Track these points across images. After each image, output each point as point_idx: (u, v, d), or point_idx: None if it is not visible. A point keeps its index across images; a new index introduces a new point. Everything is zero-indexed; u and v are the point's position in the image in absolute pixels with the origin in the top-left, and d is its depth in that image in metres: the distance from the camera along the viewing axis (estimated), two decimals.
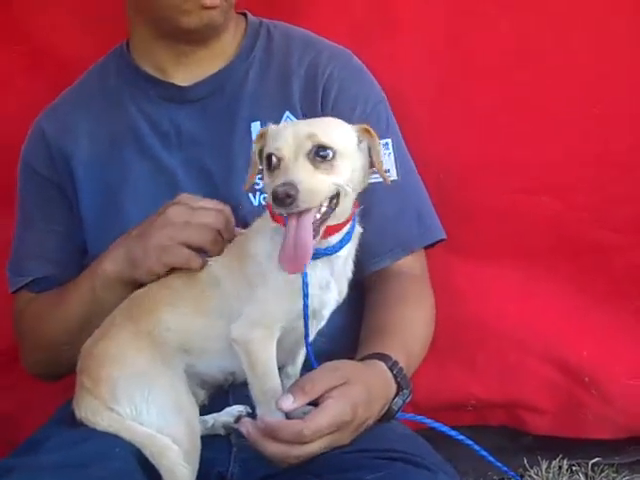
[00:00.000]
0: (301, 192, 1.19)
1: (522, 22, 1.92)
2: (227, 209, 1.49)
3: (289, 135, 1.26)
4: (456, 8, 1.95)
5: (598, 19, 1.91)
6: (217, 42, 1.67)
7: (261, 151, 1.33)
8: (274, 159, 1.25)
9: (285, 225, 1.27)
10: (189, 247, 1.44)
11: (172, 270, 1.46)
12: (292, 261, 1.23)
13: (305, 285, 1.31)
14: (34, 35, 1.99)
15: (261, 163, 1.33)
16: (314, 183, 1.22)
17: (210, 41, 1.66)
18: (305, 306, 1.32)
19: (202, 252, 1.44)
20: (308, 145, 1.24)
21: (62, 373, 1.65)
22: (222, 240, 1.45)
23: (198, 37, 1.63)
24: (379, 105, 1.71)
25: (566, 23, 1.91)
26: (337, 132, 1.29)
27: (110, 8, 1.75)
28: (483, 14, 1.93)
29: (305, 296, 1.31)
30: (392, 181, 1.63)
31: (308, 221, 1.23)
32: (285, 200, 1.19)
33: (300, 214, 1.23)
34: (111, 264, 1.52)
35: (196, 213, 1.47)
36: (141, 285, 1.50)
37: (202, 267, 1.42)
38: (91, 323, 1.49)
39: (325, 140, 1.25)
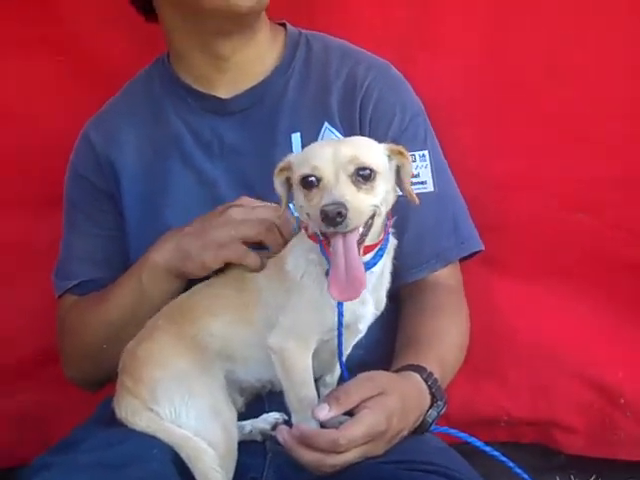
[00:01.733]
0: (350, 211, 1.20)
1: (559, 38, 1.92)
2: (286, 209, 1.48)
3: (328, 155, 1.27)
4: (493, 25, 1.95)
5: (634, 35, 1.90)
6: (254, 47, 1.68)
7: (287, 180, 1.35)
8: (312, 179, 1.26)
9: (322, 244, 1.29)
10: (247, 243, 1.45)
11: (223, 268, 1.48)
12: (345, 290, 1.24)
13: (340, 303, 1.32)
14: (78, 44, 2.03)
15: (288, 192, 1.35)
16: (359, 203, 1.24)
17: (250, 37, 1.66)
18: (339, 324, 1.33)
19: (261, 249, 1.45)
20: (351, 166, 1.26)
21: (104, 379, 1.66)
22: (280, 234, 1.46)
23: (246, 23, 1.62)
24: (417, 116, 1.71)
25: (602, 40, 1.90)
26: (375, 153, 1.31)
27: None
28: (520, 30, 1.93)
29: (340, 314, 1.32)
30: (429, 193, 1.65)
31: (353, 241, 1.24)
32: (336, 219, 1.20)
33: (345, 235, 1.23)
34: (159, 255, 1.53)
35: (254, 211, 1.49)
36: (190, 281, 1.51)
37: (259, 266, 1.44)
38: (133, 320, 1.52)
39: (366, 161, 1.27)
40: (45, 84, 2.02)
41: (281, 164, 1.36)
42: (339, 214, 1.19)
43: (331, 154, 1.27)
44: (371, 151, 1.31)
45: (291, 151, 1.64)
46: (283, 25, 1.77)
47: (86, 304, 1.69)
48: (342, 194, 1.22)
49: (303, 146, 1.64)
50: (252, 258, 1.44)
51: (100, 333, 1.63)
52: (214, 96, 1.70)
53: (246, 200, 1.53)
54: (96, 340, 1.63)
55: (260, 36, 1.69)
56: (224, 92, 1.70)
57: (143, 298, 1.55)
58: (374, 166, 1.27)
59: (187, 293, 1.50)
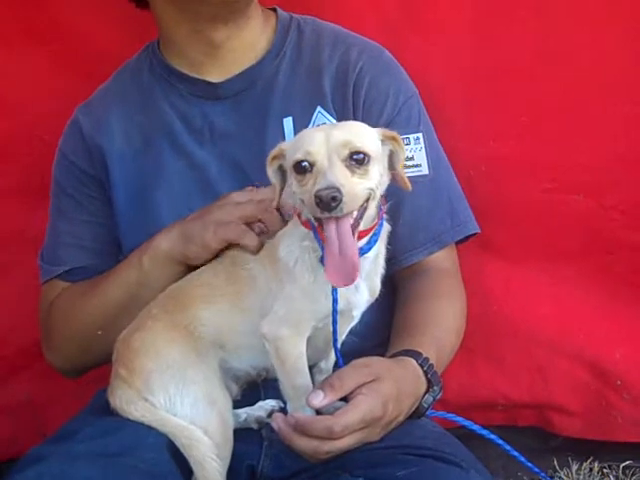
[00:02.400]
0: (345, 195, 1.20)
1: (551, 20, 1.90)
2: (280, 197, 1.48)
3: (320, 140, 1.26)
4: (485, 6, 1.93)
5: (628, 17, 1.88)
6: (248, 32, 1.66)
7: (280, 168, 1.35)
8: (305, 164, 1.26)
9: (316, 230, 1.29)
10: (248, 225, 1.46)
11: (222, 251, 1.48)
12: (341, 276, 1.23)
13: (334, 290, 1.31)
14: (66, 33, 2.01)
15: (282, 178, 1.35)
16: (353, 187, 1.23)
17: (244, 24, 1.65)
18: (334, 311, 1.33)
19: (261, 233, 1.46)
20: (344, 151, 1.25)
21: (88, 366, 1.68)
22: (278, 215, 1.46)
23: (239, 9, 1.61)
24: (411, 99, 1.70)
25: (595, 21, 1.88)
26: (368, 137, 1.30)
27: None
28: (512, 12, 1.91)
29: (334, 301, 1.32)
30: (423, 176, 1.64)
31: (347, 226, 1.24)
32: (330, 203, 1.19)
33: (337, 219, 1.23)
34: (164, 240, 1.54)
35: (254, 193, 1.51)
36: (191, 268, 1.51)
37: (258, 247, 1.44)
38: (131, 305, 1.51)
39: (360, 145, 1.26)
40: (33, 73, 2.01)
41: (273, 152, 1.35)
42: (334, 199, 1.19)
43: (324, 139, 1.26)
44: (365, 135, 1.30)
45: (283, 136, 1.63)
46: (274, 10, 1.75)
47: (80, 289, 1.68)
48: (336, 178, 1.21)
49: (295, 130, 1.63)
50: (251, 238, 1.44)
51: (95, 318, 1.62)
52: (205, 81, 1.68)
53: (249, 188, 1.54)
54: (89, 326, 1.63)
55: (252, 22, 1.67)
56: (215, 77, 1.68)
57: (143, 283, 1.55)
58: (368, 150, 1.26)
59: (180, 282, 1.50)
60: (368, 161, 1.26)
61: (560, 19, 1.89)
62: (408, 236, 1.61)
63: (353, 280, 1.23)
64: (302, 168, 1.26)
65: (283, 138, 1.63)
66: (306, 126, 1.63)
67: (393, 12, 1.95)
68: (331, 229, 1.23)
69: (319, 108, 1.65)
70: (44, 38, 2.00)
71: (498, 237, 1.99)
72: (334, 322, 1.35)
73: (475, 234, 1.73)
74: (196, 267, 1.51)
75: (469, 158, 1.90)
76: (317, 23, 1.75)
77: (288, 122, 1.65)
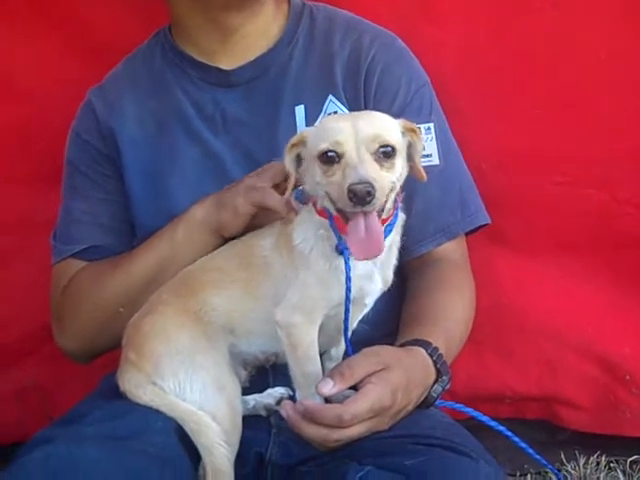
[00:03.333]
0: (377, 190, 1.20)
1: (566, 11, 1.88)
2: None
3: (349, 130, 1.26)
4: None
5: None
6: (261, 19, 1.66)
7: (297, 156, 1.34)
8: (332, 154, 1.25)
9: (332, 219, 1.31)
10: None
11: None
12: (365, 248, 1.24)
13: (348, 279, 1.31)
14: (77, 19, 2.00)
15: (297, 168, 1.34)
16: (383, 181, 1.24)
17: (258, 11, 1.64)
18: (347, 299, 1.33)
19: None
20: (374, 144, 1.26)
21: (102, 348, 1.66)
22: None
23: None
24: (422, 88, 1.69)
25: (610, 13, 1.87)
26: (394, 130, 1.31)
27: None
28: (526, 3, 1.90)
29: (348, 289, 1.32)
30: (434, 166, 1.63)
31: (376, 219, 1.25)
32: (365, 198, 1.19)
33: (365, 213, 1.23)
34: (199, 210, 1.54)
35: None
36: (226, 239, 1.51)
37: (285, 209, 1.41)
38: (157, 281, 1.51)
39: (389, 139, 1.27)
40: (44, 58, 2.00)
41: (294, 139, 1.34)
42: (368, 193, 1.19)
43: (351, 129, 1.26)
44: (391, 128, 1.31)
45: (294, 124, 1.62)
46: None
47: (101, 268, 1.66)
48: (368, 172, 1.21)
49: (307, 119, 1.62)
50: (276, 199, 1.43)
51: (118, 295, 1.60)
52: (217, 68, 1.68)
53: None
54: (112, 303, 1.60)
55: (266, 7, 1.66)
56: (227, 64, 1.67)
57: (175, 256, 1.54)
58: (395, 143, 1.28)
59: (191, 267, 1.49)
60: (395, 154, 1.27)
61: (575, 11, 1.88)
62: (418, 226, 1.60)
63: (379, 252, 1.25)
64: (329, 158, 1.25)
65: (295, 126, 1.62)
66: (318, 114, 1.62)
67: (406, 3, 1.93)
68: (360, 222, 1.24)
69: (331, 96, 1.64)
70: (55, 24, 2.00)
71: (508, 229, 1.98)
72: (346, 310, 1.34)
73: (485, 225, 1.72)
74: (229, 240, 1.51)
75: (481, 149, 1.89)
76: (329, 10, 1.74)
77: (300, 110, 1.64)
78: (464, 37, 1.93)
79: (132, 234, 1.69)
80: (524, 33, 1.91)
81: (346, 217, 1.27)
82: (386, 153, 1.26)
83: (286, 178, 1.41)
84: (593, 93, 1.91)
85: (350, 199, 1.20)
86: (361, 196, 1.19)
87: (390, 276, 1.41)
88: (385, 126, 1.29)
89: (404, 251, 1.55)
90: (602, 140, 1.93)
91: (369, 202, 1.20)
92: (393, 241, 1.39)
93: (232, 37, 1.65)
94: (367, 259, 1.27)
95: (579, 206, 1.98)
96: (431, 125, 1.65)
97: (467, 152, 1.75)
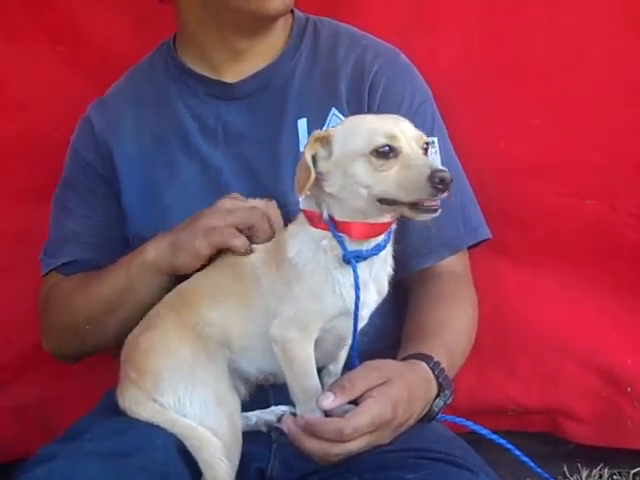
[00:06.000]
0: None
1: (563, 19, 1.88)
2: (274, 202, 1.51)
3: (396, 127, 1.28)
4: (496, 5, 1.92)
5: (637, 14, 1.86)
6: (270, 37, 1.67)
7: (314, 157, 1.32)
8: (385, 149, 1.25)
9: (334, 228, 1.31)
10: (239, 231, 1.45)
11: (215, 257, 1.47)
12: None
13: (357, 288, 1.31)
14: (77, 32, 2.01)
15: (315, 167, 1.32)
16: None
17: (270, 32, 1.66)
18: (356, 308, 1.32)
19: (251, 238, 1.45)
20: (420, 142, 1.29)
21: (82, 354, 1.71)
22: (270, 225, 1.45)
23: (271, 23, 1.63)
24: (425, 103, 1.70)
25: (608, 20, 1.87)
26: None
27: (155, 4, 1.75)
28: (523, 12, 1.90)
29: (357, 298, 1.31)
30: None
31: None
32: (450, 184, 1.21)
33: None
34: (152, 249, 1.53)
35: (244, 202, 1.50)
36: (180, 277, 1.50)
37: (247, 250, 1.42)
38: (118, 308, 1.53)
39: (427, 139, 1.30)
40: (42, 72, 2.00)
41: (320, 133, 1.32)
42: (451, 180, 1.21)
43: (397, 126, 1.28)
44: None
45: (297, 137, 1.63)
46: (290, 10, 1.75)
47: (73, 283, 1.69)
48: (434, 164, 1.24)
49: (309, 132, 1.62)
50: (240, 240, 1.42)
51: (83, 313, 1.63)
52: (220, 81, 1.68)
53: (235, 195, 1.54)
54: (78, 319, 1.64)
55: (276, 26, 1.67)
56: (230, 77, 1.68)
57: (130, 288, 1.55)
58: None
59: (188, 281, 1.49)
60: (429, 151, 1.31)
61: (572, 19, 1.88)
62: (421, 241, 1.60)
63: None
64: (383, 154, 1.25)
65: (297, 139, 1.63)
66: (320, 127, 1.61)
67: (405, 10, 1.94)
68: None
69: (334, 110, 1.65)
70: (53, 36, 2.01)
71: (509, 240, 1.97)
72: (355, 319, 1.34)
73: (487, 240, 1.72)
74: (184, 277, 1.50)
75: (480, 160, 1.89)
76: (333, 24, 1.75)
77: (302, 123, 1.64)
78: (461, 46, 1.94)
79: (115, 249, 1.69)
80: (521, 41, 1.92)
81: (410, 204, 1.25)
82: (425, 150, 1.29)
83: (249, 227, 1.43)
84: (592, 103, 1.91)
85: (435, 185, 1.20)
86: (448, 182, 1.20)
87: (385, 287, 1.40)
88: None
89: (406, 265, 1.56)
90: (602, 150, 1.93)
91: (450, 189, 1.21)
92: (387, 251, 1.39)
93: (241, 55, 1.67)
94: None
95: (580, 216, 1.98)
96: (435, 140, 1.65)
97: (467, 162, 1.75)
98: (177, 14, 1.69)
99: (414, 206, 1.25)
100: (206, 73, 1.69)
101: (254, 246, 1.43)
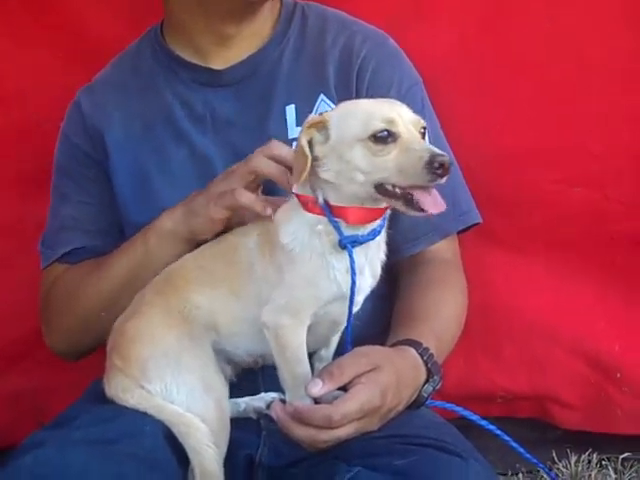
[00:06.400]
0: None
1: (559, 9, 1.89)
2: (273, 140, 1.45)
3: (394, 112, 1.26)
4: None
5: (633, 3, 1.87)
6: (257, 22, 1.66)
7: (309, 142, 1.30)
8: (385, 134, 1.24)
9: (330, 212, 1.30)
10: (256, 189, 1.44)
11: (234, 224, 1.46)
12: (436, 205, 1.25)
13: (354, 273, 1.31)
14: (66, 21, 2.00)
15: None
16: None
17: (257, 16, 1.65)
18: (352, 293, 1.32)
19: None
20: (418, 126, 1.28)
21: (89, 347, 1.67)
22: (276, 165, 1.41)
23: (258, 8, 1.61)
24: (414, 87, 1.69)
25: (603, 10, 1.87)
26: None
27: None
28: (519, 0, 1.91)
29: (353, 283, 1.31)
30: None
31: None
32: (450, 168, 1.20)
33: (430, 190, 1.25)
34: (168, 220, 1.52)
35: (264, 147, 1.45)
36: (197, 244, 1.49)
37: (264, 208, 1.38)
38: (135, 285, 1.50)
39: (424, 123, 1.30)
40: (33, 61, 1.99)
41: (315, 118, 1.30)
42: (451, 163, 1.21)
43: (394, 110, 1.27)
44: None
45: (285, 123, 1.62)
46: None
47: (82, 270, 1.67)
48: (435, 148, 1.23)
49: (298, 118, 1.61)
50: (249, 197, 1.40)
51: (99, 299, 1.60)
52: (208, 68, 1.67)
53: (275, 143, 1.46)
54: (93, 307, 1.61)
55: (262, 11, 1.66)
56: (218, 64, 1.67)
57: (148, 263, 1.53)
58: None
59: (174, 264, 1.48)
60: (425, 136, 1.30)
61: (568, 8, 1.88)
62: (410, 226, 1.60)
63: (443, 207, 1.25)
64: (381, 138, 1.24)
65: (285, 126, 1.62)
66: (308, 114, 1.60)
67: (396, 2, 1.93)
68: (426, 197, 1.24)
69: (322, 96, 1.64)
70: (45, 26, 1.99)
71: (499, 228, 1.98)
72: (351, 304, 1.34)
73: (477, 224, 1.72)
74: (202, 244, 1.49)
75: (472, 147, 1.88)
76: (321, 9, 1.74)
77: (291, 110, 1.63)
78: (456, 33, 1.93)
79: (116, 234, 1.69)
80: (517, 29, 1.92)
81: (405, 195, 1.25)
82: (422, 135, 1.28)
83: (254, 178, 1.41)
84: (585, 91, 1.91)
85: (434, 170, 1.19)
86: (447, 166, 1.19)
87: (378, 271, 1.40)
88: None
89: (396, 250, 1.55)
90: (593, 139, 1.93)
91: (448, 173, 1.20)
92: (382, 236, 1.38)
93: (229, 41, 1.65)
94: (441, 210, 1.26)
95: (569, 204, 1.98)
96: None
97: (458, 150, 1.74)
98: (165, 4, 1.68)
99: (409, 202, 1.25)
100: (194, 60, 1.68)
101: (247, 230, 1.42)
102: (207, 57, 1.67)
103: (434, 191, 1.25)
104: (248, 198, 1.41)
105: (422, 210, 1.24)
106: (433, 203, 1.24)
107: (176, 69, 1.69)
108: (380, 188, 1.26)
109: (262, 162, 1.42)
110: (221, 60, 1.67)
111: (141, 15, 1.84)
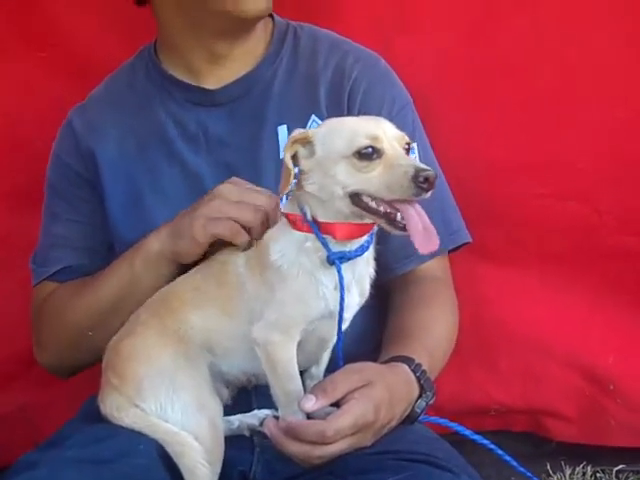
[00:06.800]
0: None
1: (543, 19, 1.90)
2: (275, 196, 1.45)
3: (378, 128, 1.28)
4: (476, 6, 1.93)
5: (622, 16, 1.88)
6: (249, 41, 1.68)
7: (294, 157, 1.32)
8: (369, 150, 1.25)
9: (317, 230, 1.31)
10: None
11: (210, 250, 1.46)
12: (430, 241, 1.26)
13: (342, 288, 1.32)
14: (60, 37, 2.02)
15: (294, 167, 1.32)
16: None
17: (249, 35, 1.66)
18: (341, 309, 1.33)
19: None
20: (402, 142, 1.29)
21: (80, 365, 1.67)
22: (267, 225, 1.43)
23: (250, 27, 1.63)
24: (405, 108, 1.70)
25: (590, 21, 1.88)
26: None
27: (134, 9, 1.75)
28: (502, 12, 1.92)
29: (342, 299, 1.32)
30: None
31: (422, 210, 1.27)
32: (435, 182, 1.21)
33: (414, 203, 1.26)
34: (155, 240, 1.52)
35: (248, 192, 1.46)
36: (183, 267, 1.49)
37: (249, 245, 1.40)
38: (122, 306, 1.50)
39: (408, 139, 1.31)
40: (26, 77, 2.01)
41: (297, 135, 1.32)
42: (436, 177, 1.21)
43: (379, 127, 1.28)
44: None
45: (277, 143, 1.63)
46: (270, 16, 1.75)
47: (71, 289, 1.68)
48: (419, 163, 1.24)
49: None
50: (243, 237, 1.40)
51: (86, 319, 1.61)
52: (201, 87, 1.68)
53: (237, 180, 1.49)
54: (81, 326, 1.61)
55: (255, 30, 1.68)
56: (211, 83, 1.68)
57: (135, 285, 1.53)
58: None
59: (168, 287, 1.49)
60: (410, 152, 1.32)
61: (553, 18, 1.90)
62: (401, 245, 1.60)
63: (437, 246, 1.26)
64: (366, 155, 1.25)
65: (277, 146, 1.63)
66: None
67: (386, 14, 1.95)
68: (412, 212, 1.25)
69: (313, 116, 1.65)
70: (36, 43, 2.01)
71: (491, 242, 1.99)
72: (340, 320, 1.34)
73: (467, 243, 1.73)
74: (188, 267, 1.50)
75: (461, 161, 1.90)
76: (313, 30, 1.76)
77: (283, 130, 1.64)
78: (443, 49, 1.95)
79: (106, 252, 1.70)
80: (504, 44, 1.93)
81: (388, 214, 1.26)
82: (407, 150, 1.30)
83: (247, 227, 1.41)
84: (573, 104, 1.93)
85: (419, 184, 1.20)
86: (432, 180, 1.20)
87: (367, 288, 1.40)
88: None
89: (387, 269, 1.56)
90: (583, 152, 1.95)
91: (434, 187, 1.22)
92: (370, 252, 1.39)
93: (220, 60, 1.67)
94: (432, 251, 1.26)
95: (560, 217, 1.99)
96: (414, 145, 1.65)
97: (447, 164, 1.75)
98: (157, 23, 1.70)
99: (391, 221, 1.26)
100: (187, 79, 1.69)
101: (237, 250, 1.42)
102: (200, 76, 1.68)
103: (429, 224, 1.26)
104: (238, 235, 1.40)
105: (404, 229, 1.25)
106: (426, 242, 1.25)
107: (169, 88, 1.71)
108: (360, 203, 1.27)
109: (254, 218, 1.41)
110: (214, 79, 1.68)
111: (132, 32, 1.86)
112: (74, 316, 1.63)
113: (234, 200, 1.45)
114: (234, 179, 1.50)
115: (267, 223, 1.42)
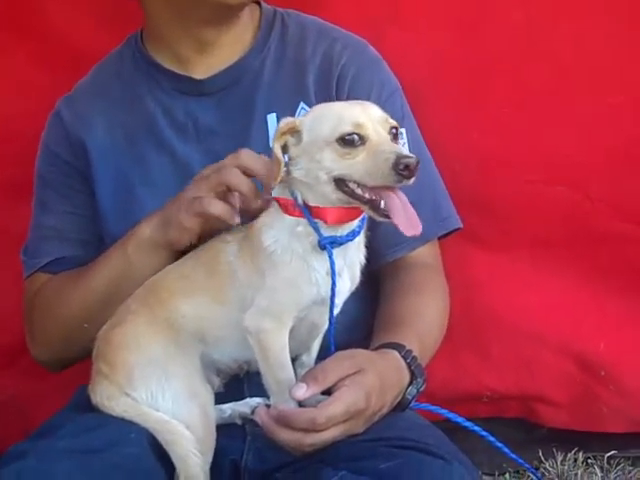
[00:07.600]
0: None
1: (535, 12, 1.90)
2: (246, 149, 1.44)
3: (363, 113, 1.28)
4: (468, 1, 1.93)
5: (611, 7, 1.89)
6: (236, 29, 1.67)
7: (284, 147, 1.32)
8: (353, 137, 1.25)
9: (308, 214, 1.31)
10: (225, 196, 1.42)
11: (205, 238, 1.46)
12: (413, 224, 1.27)
13: (333, 273, 1.32)
14: (47, 28, 2.00)
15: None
16: None
17: (235, 23, 1.65)
18: (333, 294, 1.33)
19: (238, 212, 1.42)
20: (386, 125, 1.29)
21: (73, 357, 1.66)
22: (259, 194, 1.40)
23: (235, 14, 1.62)
24: (394, 94, 1.70)
25: (580, 13, 1.89)
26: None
27: (124, 1, 1.74)
28: (496, 7, 1.92)
29: (333, 284, 1.32)
30: None
31: (404, 195, 1.27)
32: (416, 169, 1.21)
33: (396, 190, 1.26)
34: (147, 228, 1.52)
35: (231, 158, 1.44)
36: (180, 253, 1.49)
37: (230, 214, 1.39)
38: (117, 295, 1.49)
39: (394, 122, 1.31)
40: (14, 68, 2.00)
41: (284, 126, 1.32)
42: (417, 163, 1.21)
43: (364, 112, 1.28)
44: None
45: (267, 132, 1.63)
46: (257, 3, 1.74)
47: (64, 281, 1.66)
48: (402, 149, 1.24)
49: None
50: (217, 206, 1.39)
51: (81, 310, 1.60)
52: (189, 77, 1.67)
53: (246, 154, 1.45)
54: (75, 317, 1.60)
55: (241, 18, 1.67)
56: (199, 73, 1.67)
57: (129, 271, 1.53)
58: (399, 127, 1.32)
59: (157, 275, 1.48)
60: (400, 136, 1.32)
61: (544, 11, 1.90)
62: (391, 232, 1.58)
63: (420, 230, 1.27)
64: (350, 141, 1.26)
65: (267, 134, 1.62)
66: None
67: (375, 9, 1.94)
68: (398, 200, 1.26)
69: (302, 104, 1.65)
70: (24, 33, 1.99)
71: (482, 229, 1.99)
72: (332, 306, 1.34)
73: (457, 229, 1.73)
74: (182, 253, 1.49)
75: (453, 151, 1.90)
76: (301, 17, 1.75)
77: (272, 118, 1.64)
78: (434, 39, 1.94)
79: (99, 244, 1.69)
80: (494, 35, 1.93)
81: (372, 201, 1.26)
82: (394, 134, 1.29)
83: (228, 188, 1.41)
84: (564, 92, 1.93)
85: (400, 172, 1.20)
86: (412, 168, 1.20)
87: (358, 275, 1.41)
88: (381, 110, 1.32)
89: (378, 256, 1.56)
90: (575, 138, 1.95)
91: (415, 174, 1.22)
92: (360, 238, 1.39)
93: (207, 47, 1.66)
94: (416, 234, 1.27)
95: (552, 204, 2.00)
96: (403, 131, 1.64)
97: (439, 153, 1.76)
98: (144, 12, 1.68)
99: (375, 207, 1.27)
100: (174, 68, 1.68)
101: (228, 237, 1.42)
102: (188, 65, 1.67)
103: (411, 211, 1.27)
104: (216, 207, 1.41)
105: (387, 217, 1.26)
106: (409, 225, 1.26)
107: (157, 77, 1.70)
108: (345, 189, 1.28)
109: (233, 176, 1.41)
110: (202, 68, 1.67)
111: (123, 24, 1.84)
112: (68, 309, 1.62)
113: (205, 174, 1.45)
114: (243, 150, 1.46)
115: (257, 190, 1.40)
